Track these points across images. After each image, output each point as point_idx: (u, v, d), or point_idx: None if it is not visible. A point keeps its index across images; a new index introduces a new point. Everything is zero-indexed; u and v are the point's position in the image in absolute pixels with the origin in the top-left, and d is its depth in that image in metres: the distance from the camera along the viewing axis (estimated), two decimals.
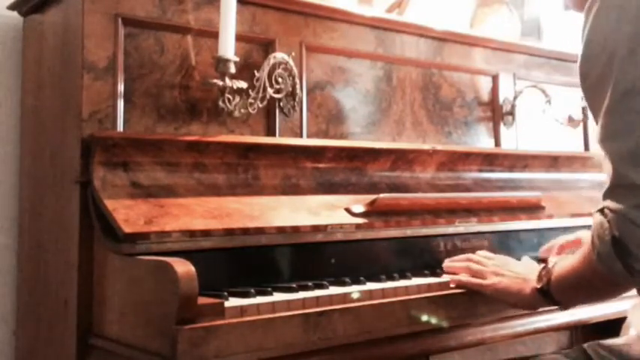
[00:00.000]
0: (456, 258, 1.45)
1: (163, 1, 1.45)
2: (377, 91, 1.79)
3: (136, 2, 1.41)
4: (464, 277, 1.36)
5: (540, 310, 1.45)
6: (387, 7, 2.07)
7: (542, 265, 1.25)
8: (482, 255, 1.41)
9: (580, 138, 2.29)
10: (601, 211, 1.07)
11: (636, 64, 1.02)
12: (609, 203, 1.05)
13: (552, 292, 1.21)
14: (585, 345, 1.29)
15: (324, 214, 1.44)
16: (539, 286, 1.23)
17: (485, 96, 2.04)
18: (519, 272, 1.31)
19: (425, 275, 1.42)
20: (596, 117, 1.10)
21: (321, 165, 1.57)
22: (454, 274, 1.40)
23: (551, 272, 1.21)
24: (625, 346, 1.25)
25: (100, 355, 1.26)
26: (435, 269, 1.47)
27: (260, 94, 1.52)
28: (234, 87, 1.45)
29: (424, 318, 1.28)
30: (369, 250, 1.48)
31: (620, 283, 1.09)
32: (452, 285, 1.36)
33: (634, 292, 1.23)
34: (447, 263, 1.45)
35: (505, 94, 2.06)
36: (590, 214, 1.13)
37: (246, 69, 1.53)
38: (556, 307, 1.29)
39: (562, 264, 1.20)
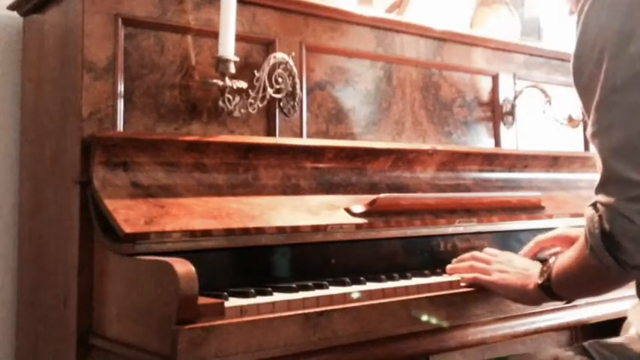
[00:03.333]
0: (462, 257, 1.46)
1: (163, 1, 1.45)
2: (377, 91, 1.79)
3: (136, 2, 1.41)
4: (470, 275, 1.38)
5: (540, 309, 1.45)
6: (387, 7, 2.07)
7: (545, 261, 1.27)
8: (488, 252, 1.43)
9: (580, 138, 2.29)
10: (593, 205, 1.09)
11: (624, 60, 1.04)
12: (601, 197, 1.07)
13: (553, 288, 1.23)
14: (585, 343, 1.29)
15: (324, 214, 1.44)
16: (540, 282, 1.24)
17: (485, 96, 2.04)
18: (523, 268, 1.32)
19: (425, 275, 1.42)
20: (588, 114, 1.12)
21: (321, 165, 1.57)
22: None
23: (551, 268, 1.23)
24: (625, 345, 1.25)
25: (100, 355, 1.26)
26: (435, 269, 1.47)
27: (260, 94, 1.52)
28: (234, 87, 1.45)
29: (424, 318, 1.28)
30: (369, 250, 1.48)
31: (614, 276, 1.10)
32: (462, 284, 1.37)
33: (633, 291, 1.23)
34: (451, 265, 1.45)
35: (505, 94, 2.06)
36: None
37: (246, 69, 1.53)
38: (560, 302, 1.31)
39: (561, 260, 1.22)
